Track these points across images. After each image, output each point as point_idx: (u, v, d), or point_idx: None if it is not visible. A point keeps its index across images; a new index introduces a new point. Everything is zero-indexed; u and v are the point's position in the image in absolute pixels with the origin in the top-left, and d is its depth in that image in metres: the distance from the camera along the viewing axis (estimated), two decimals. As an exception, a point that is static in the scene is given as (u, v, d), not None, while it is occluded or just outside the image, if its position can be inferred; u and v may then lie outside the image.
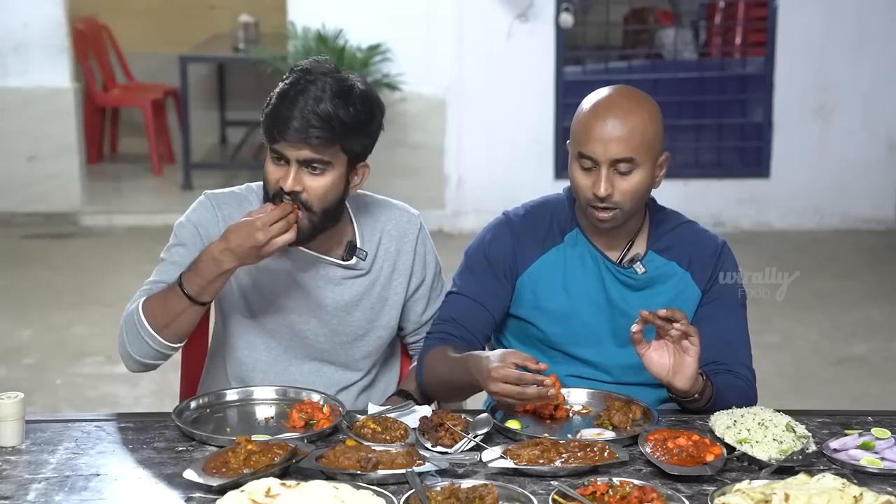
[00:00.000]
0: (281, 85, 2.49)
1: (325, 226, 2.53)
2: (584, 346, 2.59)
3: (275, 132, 2.44)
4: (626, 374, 2.58)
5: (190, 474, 2.10)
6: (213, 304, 2.60)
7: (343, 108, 2.44)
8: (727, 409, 2.38)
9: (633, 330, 2.36)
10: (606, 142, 2.43)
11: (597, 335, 2.59)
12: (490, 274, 2.59)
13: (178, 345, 2.55)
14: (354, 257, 2.62)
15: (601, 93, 2.50)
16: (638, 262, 2.57)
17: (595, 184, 2.45)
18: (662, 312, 2.34)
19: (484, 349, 2.61)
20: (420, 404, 2.51)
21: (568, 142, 2.55)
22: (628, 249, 2.59)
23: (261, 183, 2.65)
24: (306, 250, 2.58)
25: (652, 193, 2.60)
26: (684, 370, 2.36)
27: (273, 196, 2.48)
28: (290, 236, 2.41)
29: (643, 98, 2.51)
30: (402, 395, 2.61)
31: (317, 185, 2.46)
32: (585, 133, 2.46)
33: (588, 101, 2.50)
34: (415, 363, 2.73)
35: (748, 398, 2.52)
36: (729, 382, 2.50)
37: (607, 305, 2.58)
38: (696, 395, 2.40)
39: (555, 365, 2.61)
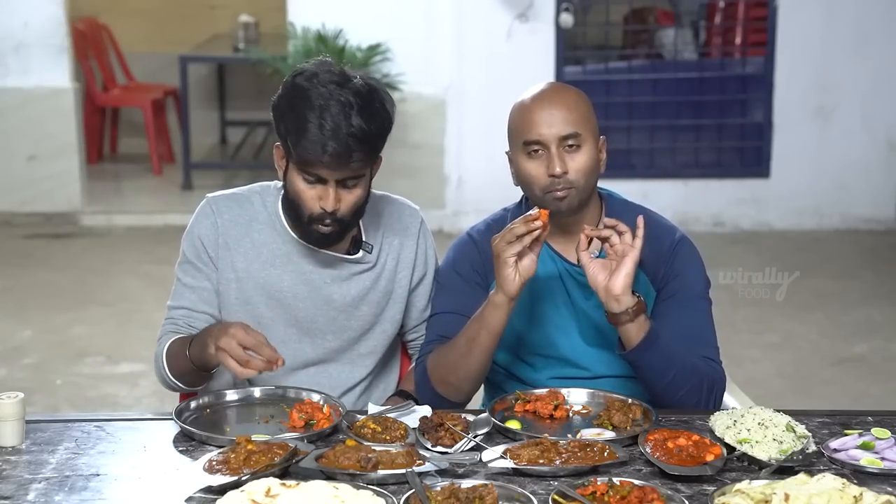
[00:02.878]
0: (291, 97, 2.44)
1: (354, 225, 2.57)
2: (558, 346, 2.61)
3: (310, 157, 2.41)
4: (600, 367, 2.60)
5: (190, 474, 2.10)
6: (218, 307, 2.62)
7: (371, 120, 2.43)
8: (681, 375, 2.44)
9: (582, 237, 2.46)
10: (552, 122, 2.51)
11: (567, 333, 2.61)
12: (464, 286, 2.61)
13: (204, 384, 2.60)
14: (361, 251, 2.63)
15: (533, 88, 2.58)
16: (595, 257, 2.54)
17: (549, 165, 2.50)
18: (610, 222, 2.45)
19: None
20: (420, 404, 2.51)
21: (507, 150, 2.59)
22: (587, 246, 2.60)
23: (266, 184, 2.67)
24: (314, 247, 2.59)
25: (622, 193, 2.67)
26: (621, 270, 2.42)
27: (312, 219, 2.48)
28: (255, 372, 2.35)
29: (573, 87, 2.62)
30: (403, 396, 2.61)
31: (353, 198, 2.49)
32: (528, 121, 2.52)
33: (523, 97, 2.58)
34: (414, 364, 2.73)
35: (710, 377, 2.51)
36: (686, 353, 2.50)
37: (571, 306, 2.61)
38: (629, 311, 2.41)
39: (535, 370, 2.64)
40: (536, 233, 2.38)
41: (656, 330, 2.45)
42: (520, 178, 2.57)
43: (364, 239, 2.64)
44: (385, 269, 2.67)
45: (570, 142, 2.50)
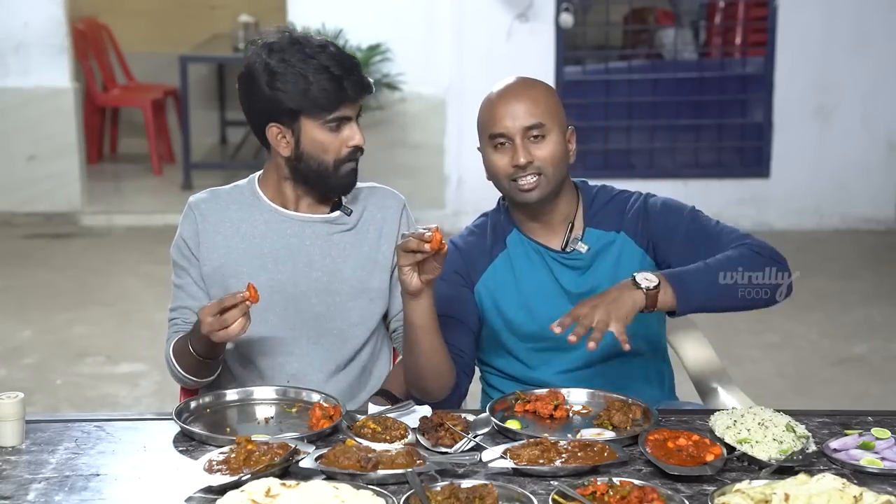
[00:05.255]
0: (271, 73, 2.54)
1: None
2: (558, 337, 2.59)
3: (335, 95, 2.53)
4: (597, 351, 2.54)
5: (190, 474, 2.10)
6: (208, 297, 2.67)
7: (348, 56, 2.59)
8: (741, 265, 2.58)
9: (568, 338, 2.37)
10: (514, 115, 2.56)
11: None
12: (448, 289, 2.61)
13: (215, 374, 2.65)
14: (339, 211, 2.69)
15: (501, 83, 2.64)
16: (579, 242, 2.63)
17: (513, 156, 2.55)
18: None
19: (473, 362, 2.66)
20: (420, 404, 2.51)
21: (478, 147, 2.65)
22: (569, 234, 2.64)
23: (243, 180, 2.74)
24: (292, 213, 2.66)
25: (593, 182, 2.73)
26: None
27: (339, 161, 2.58)
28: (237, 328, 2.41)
29: (539, 80, 2.66)
30: (385, 396, 2.60)
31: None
32: (492, 115, 2.58)
33: (489, 92, 2.64)
34: (400, 359, 2.73)
35: (751, 250, 2.64)
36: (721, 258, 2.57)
37: (563, 294, 2.62)
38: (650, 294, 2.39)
39: (531, 369, 2.64)
40: (426, 255, 2.33)
41: (675, 274, 2.45)
42: (488, 171, 2.63)
43: (344, 204, 2.71)
44: (368, 237, 2.70)
45: (534, 132, 2.55)
